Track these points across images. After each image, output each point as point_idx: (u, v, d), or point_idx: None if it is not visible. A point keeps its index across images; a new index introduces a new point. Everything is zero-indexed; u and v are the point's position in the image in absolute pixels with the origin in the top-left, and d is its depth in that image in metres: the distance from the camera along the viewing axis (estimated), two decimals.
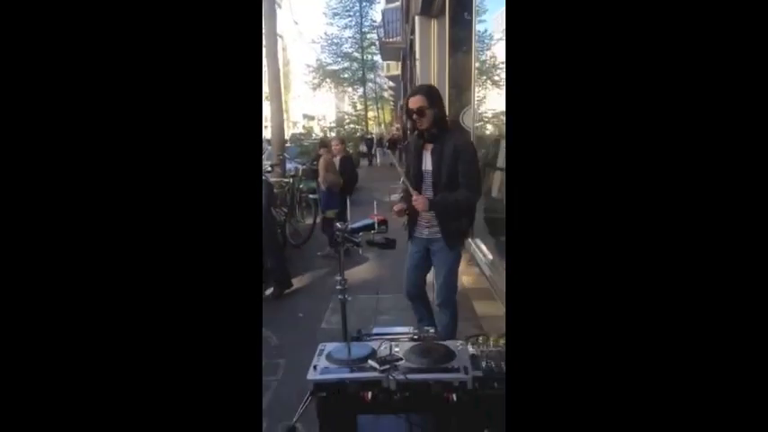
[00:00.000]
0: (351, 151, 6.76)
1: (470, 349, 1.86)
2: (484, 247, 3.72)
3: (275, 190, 5.28)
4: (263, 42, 7.38)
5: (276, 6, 7.06)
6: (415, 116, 2.44)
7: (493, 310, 2.60)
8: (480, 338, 2.32)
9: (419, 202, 2.43)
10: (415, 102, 2.44)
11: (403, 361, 1.66)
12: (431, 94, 2.46)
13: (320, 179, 5.21)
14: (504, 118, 4.06)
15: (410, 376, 1.58)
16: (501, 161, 3.98)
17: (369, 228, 2.21)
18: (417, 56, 6.38)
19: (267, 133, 8.87)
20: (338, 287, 2.24)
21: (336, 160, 5.50)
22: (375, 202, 2.28)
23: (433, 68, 5.85)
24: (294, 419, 1.68)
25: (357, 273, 4.38)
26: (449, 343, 1.83)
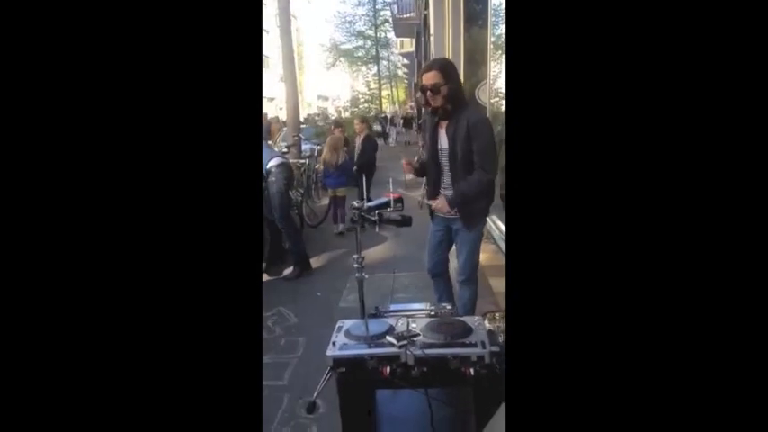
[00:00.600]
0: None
1: (487, 325, 1.87)
2: (500, 224, 3.70)
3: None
4: (277, 23, 7.34)
5: None
6: (429, 93, 2.35)
7: None
8: (497, 315, 2.33)
9: (440, 205, 2.45)
10: (430, 78, 2.34)
11: (420, 336, 1.67)
12: (446, 68, 2.37)
13: (321, 158, 5.42)
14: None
15: (428, 351, 1.60)
16: None
17: (384, 206, 2.21)
18: (432, 31, 6.28)
19: (282, 114, 8.86)
20: (355, 265, 2.26)
21: (358, 139, 5.88)
22: (390, 180, 2.28)
23: (447, 43, 5.75)
24: (314, 395, 1.71)
25: (374, 252, 4.41)
26: (466, 318, 1.84)
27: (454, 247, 2.66)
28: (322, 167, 5.45)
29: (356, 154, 6.07)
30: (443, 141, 2.49)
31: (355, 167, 5.59)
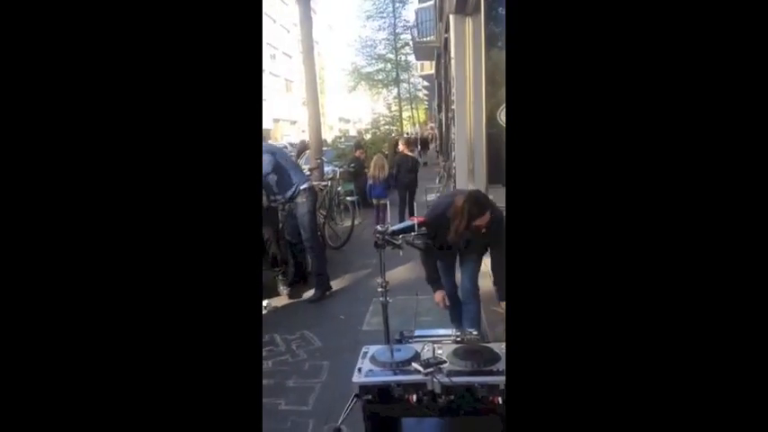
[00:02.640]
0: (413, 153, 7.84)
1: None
2: None
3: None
4: (300, 48, 7.53)
5: (312, 12, 7.17)
6: (484, 230, 2.35)
7: None
8: None
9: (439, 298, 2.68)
10: (485, 219, 2.31)
11: (447, 363, 1.65)
12: (489, 202, 2.39)
13: (370, 174, 6.91)
14: None
15: (455, 379, 1.58)
16: None
17: (409, 230, 2.21)
18: (452, 54, 6.34)
19: (305, 137, 8.98)
20: (379, 289, 2.26)
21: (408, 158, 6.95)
22: (415, 205, 2.29)
23: (468, 66, 5.79)
24: (339, 421, 1.70)
25: (396, 274, 4.39)
26: (493, 345, 1.81)
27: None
28: (371, 182, 6.89)
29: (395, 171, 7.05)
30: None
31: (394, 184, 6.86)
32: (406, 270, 4.56)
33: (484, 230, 2.33)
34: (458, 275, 2.81)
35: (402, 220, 6.79)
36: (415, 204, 3.45)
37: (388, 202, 6.74)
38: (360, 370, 1.69)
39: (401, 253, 2.14)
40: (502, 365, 1.63)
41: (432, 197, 8.71)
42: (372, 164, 7.04)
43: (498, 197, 4.84)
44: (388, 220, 6.43)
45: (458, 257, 2.75)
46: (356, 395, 1.63)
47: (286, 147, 9.13)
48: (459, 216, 2.29)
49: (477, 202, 2.33)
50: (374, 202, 6.92)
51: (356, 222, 6.50)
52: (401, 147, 7.46)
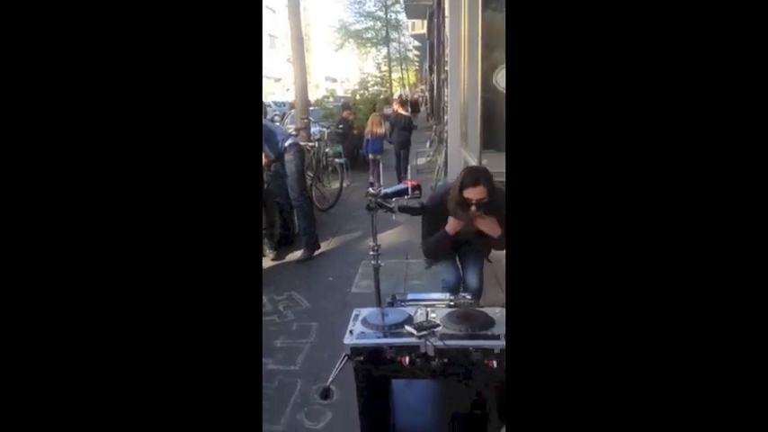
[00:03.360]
0: (408, 113, 8.34)
1: (503, 310, 1.84)
2: None
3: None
4: (285, 2, 7.25)
5: None
6: (473, 208, 2.16)
7: None
8: None
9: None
10: (478, 192, 2.12)
11: (440, 327, 1.64)
12: (491, 181, 2.14)
13: (367, 131, 7.24)
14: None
15: (449, 342, 1.56)
16: None
17: (402, 193, 2.16)
18: (447, 12, 6.13)
19: (290, 96, 8.76)
20: (371, 252, 2.22)
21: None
22: (409, 167, 2.23)
23: (463, 26, 5.60)
24: (329, 381, 1.69)
25: (386, 237, 4.37)
26: (487, 310, 1.80)
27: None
28: (368, 137, 7.21)
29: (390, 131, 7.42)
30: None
31: (391, 143, 7.33)
32: (396, 233, 4.54)
33: (473, 206, 2.15)
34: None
35: (398, 177, 6.95)
36: (410, 168, 3.46)
37: (380, 159, 7.24)
38: (351, 332, 1.67)
39: (394, 216, 2.10)
40: (497, 330, 1.62)
41: (422, 161, 8.67)
42: (370, 121, 7.43)
43: (492, 162, 4.81)
44: (382, 176, 6.92)
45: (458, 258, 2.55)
46: (346, 355, 1.61)
47: (269, 106, 8.87)
48: (453, 189, 2.21)
49: (471, 171, 2.22)
50: (370, 157, 7.32)
51: (345, 185, 6.42)
52: (395, 106, 7.79)
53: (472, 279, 2.39)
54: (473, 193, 2.15)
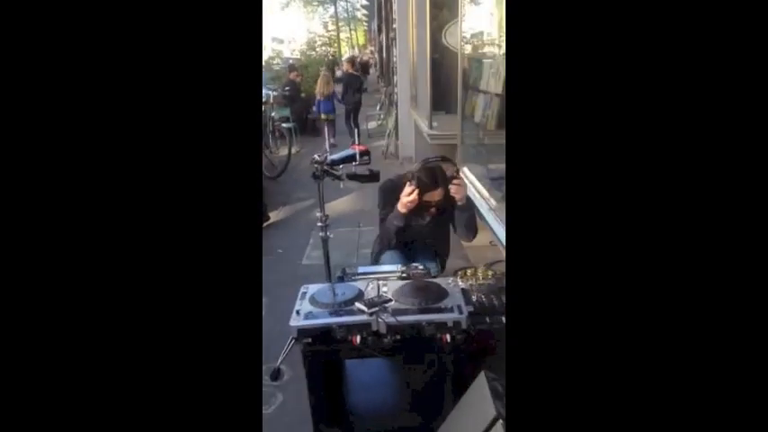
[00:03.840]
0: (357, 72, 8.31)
1: (460, 283, 1.78)
2: (471, 176, 3.59)
3: None
4: None
5: None
6: (433, 209, 2.10)
7: (478, 239, 2.51)
8: (468, 271, 2.25)
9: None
10: (437, 195, 2.06)
11: (392, 302, 1.56)
12: (445, 178, 2.08)
13: (317, 91, 7.30)
14: (488, 38, 3.79)
15: (401, 318, 1.49)
16: (483, 84, 3.76)
17: (350, 159, 2.03)
18: None
19: None
20: (319, 224, 2.10)
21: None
22: (356, 131, 2.09)
23: None
24: (278, 362, 1.59)
25: (337, 205, 4.24)
26: (440, 280, 1.74)
27: None
28: (319, 98, 7.28)
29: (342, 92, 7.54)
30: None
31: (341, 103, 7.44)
32: (347, 201, 4.42)
33: (433, 208, 2.08)
34: None
35: (351, 136, 6.82)
36: (357, 131, 3.34)
37: (335, 118, 7.35)
38: (298, 312, 1.56)
39: (342, 185, 1.97)
40: (450, 302, 1.56)
41: (373, 125, 8.48)
42: (319, 81, 7.39)
43: (442, 124, 4.73)
44: (335, 137, 7.14)
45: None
46: (293, 338, 1.51)
47: None
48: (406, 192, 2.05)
49: (428, 173, 2.04)
50: (323, 117, 7.38)
51: (294, 151, 6.18)
52: (345, 66, 7.96)
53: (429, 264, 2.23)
54: (433, 197, 2.06)
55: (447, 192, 2.07)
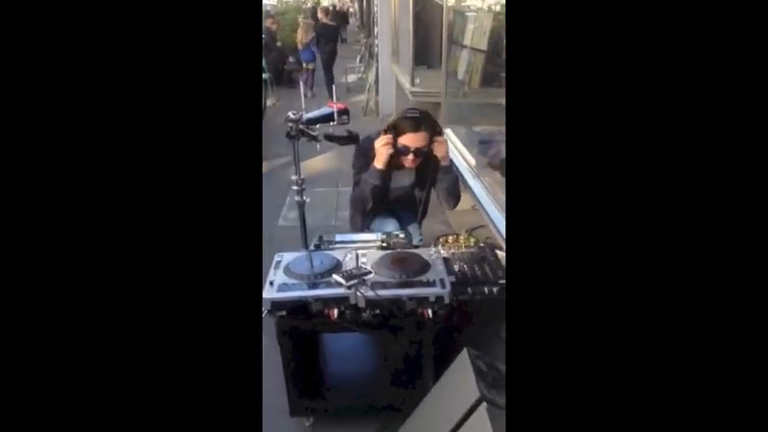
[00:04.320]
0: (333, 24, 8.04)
1: (442, 252, 1.71)
2: (453, 136, 3.48)
3: None
4: None
5: None
6: (412, 156, 1.90)
7: (460, 203, 2.43)
8: (450, 238, 2.18)
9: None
10: (418, 139, 1.87)
11: (372, 274, 1.47)
12: (433, 127, 1.90)
13: (298, 40, 7.44)
14: None
15: (381, 292, 1.41)
16: (467, 39, 3.59)
17: (327, 118, 1.89)
18: None
19: None
20: (294, 187, 1.98)
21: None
22: (334, 87, 1.93)
23: None
24: None
25: (313, 164, 4.09)
26: (422, 251, 1.66)
27: None
28: (300, 47, 7.41)
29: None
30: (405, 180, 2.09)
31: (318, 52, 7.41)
32: (324, 160, 4.26)
33: (411, 155, 1.91)
34: None
35: (329, 91, 6.55)
36: (334, 88, 3.16)
37: (315, 68, 7.47)
38: (272, 283, 1.47)
39: (318, 146, 1.84)
40: (432, 275, 1.48)
41: (352, 78, 8.16)
42: (300, 30, 7.51)
43: (424, 80, 4.55)
44: (314, 88, 7.24)
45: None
46: (267, 310, 1.42)
47: None
48: (385, 132, 1.90)
49: (411, 115, 1.89)
50: (303, 66, 7.52)
51: (269, 104, 5.91)
52: (320, 15, 7.75)
53: (410, 230, 2.10)
54: (412, 141, 1.88)
55: (430, 143, 1.91)
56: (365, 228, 2.10)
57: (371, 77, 6.41)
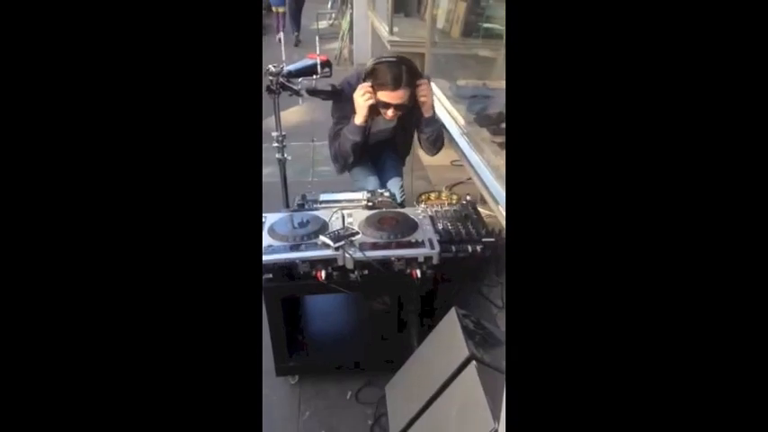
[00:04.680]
0: None
1: (427, 210, 1.70)
2: (437, 90, 3.39)
3: None
4: None
5: None
6: (392, 111, 1.79)
7: (439, 158, 2.39)
8: (432, 195, 2.17)
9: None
10: (398, 96, 1.75)
11: (359, 235, 1.45)
12: (414, 74, 1.78)
13: None
14: None
15: (369, 253, 1.39)
16: None
17: (309, 71, 1.80)
18: None
19: None
20: (275, 144, 1.91)
21: None
22: (317, 38, 1.83)
23: None
24: None
25: (289, 116, 3.95)
26: (408, 211, 1.64)
27: None
28: None
29: None
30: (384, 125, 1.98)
31: None
32: (300, 112, 4.12)
33: (391, 110, 1.80)
34: None
35: (296, 37, 6.60)
36: (298, 35, 2.98)
37: (286, 11, 7.07)
38: None
39: (301, 101, 1.76)
40: (421, 235, 1.48)
41: (324, 24, 7.80)
42: None
43: (403, 29, 4.39)
44: (284, 30, 6.78)
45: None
46: None
47: None
48: (363, 84, 1.78)
49: (392, 68, 1.75)
50: (273, 10, 7.27)
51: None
52: None
53: (393, 187, 2.03)
54: (392, 98, 1.76)
55: (412, 95, 1.81)
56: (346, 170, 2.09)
57: (345, 24, 6.14)
